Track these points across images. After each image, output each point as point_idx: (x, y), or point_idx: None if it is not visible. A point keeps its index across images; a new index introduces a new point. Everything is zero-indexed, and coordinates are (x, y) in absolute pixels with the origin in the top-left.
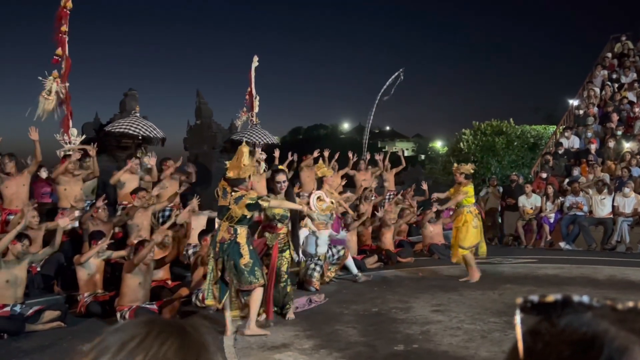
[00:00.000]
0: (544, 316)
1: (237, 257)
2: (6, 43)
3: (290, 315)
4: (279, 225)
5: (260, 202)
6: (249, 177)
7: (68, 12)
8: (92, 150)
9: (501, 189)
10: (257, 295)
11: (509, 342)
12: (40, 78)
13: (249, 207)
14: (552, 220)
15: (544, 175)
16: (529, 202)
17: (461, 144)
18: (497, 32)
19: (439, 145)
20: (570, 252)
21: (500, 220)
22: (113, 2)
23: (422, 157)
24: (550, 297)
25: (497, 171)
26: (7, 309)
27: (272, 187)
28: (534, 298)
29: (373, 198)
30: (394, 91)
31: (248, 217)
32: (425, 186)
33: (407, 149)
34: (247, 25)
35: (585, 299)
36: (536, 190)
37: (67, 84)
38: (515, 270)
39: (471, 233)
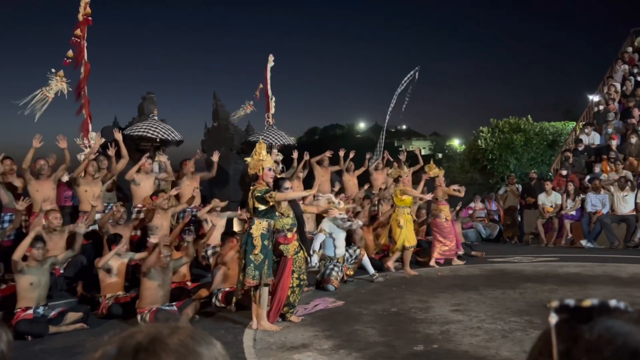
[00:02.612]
0: (579, 320)
1: (250, 248)
2: (26, 46)
3: (293, 318)
4: (289, 235)
5: (265, 196)
6: (262, 170)
7: (89, 18)
8: (111, 150)
9: (520, 187)
10: (264, 293)
11: (530, 342)
12: (49, 74)
13: (257, 199)
14: (575, 214)
15: (564, 172)
16: (549, 200)
17: (479, 141)
18: (514, 28)
19: (456, 143)
20: (592, 250)
21: (519, 219)
22: (129, 7)
23: (439, 155)
24: (587, 302)
25: (515, 169)
26: (31, 311)
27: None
28: (570, 302)
29: (390, 198)
30: (410, 92)
31: (260, 209)
32: (430, 196)
33: (423, 148)
34: (263, 26)
35: (622, 305)
36: (556, 187)
37: (86, 89)
38: (536, 269)
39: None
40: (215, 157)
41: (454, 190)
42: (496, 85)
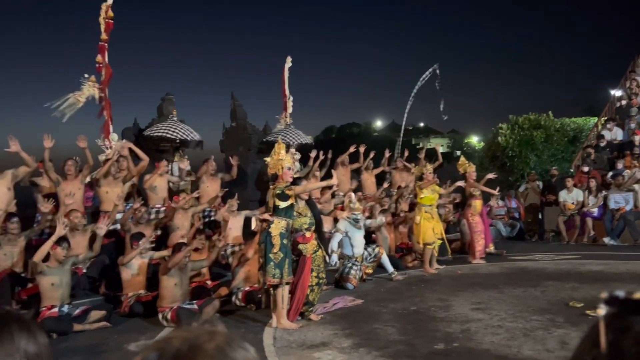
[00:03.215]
0: (629, 312)
1: (269, 247)
2: (54, 47)
3: (312, 316)
4: (307, 234)
5: (286, 191)
6: (281, 169)
7: (112, 22)
8: (125, 149)
9: (541, 184)
10: (285, 292)
11: (553, 340)
12: (82, 79)
13: (278, 196)
14: (596, 214)
15: (586, 169)
16: (570, 197)
17: (499, 138)
18: (534, 23)
19: (474, 140)
20: (615, 247)
21: (540, 216)
22: (147, 9)
23: (458, 153)
24: (638, 294)
25: (536, 166)
26: (55, 309)
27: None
28: (620, 294)
29: (411, 196)
30: (439, 87)
31: (280, 207)
32: (463, 183)
33: (442, 145)
34: (280, 26)
35: None
36: (578, 184)
37: (107, 91)
38: (558, 267)
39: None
40: (235, 162)
41: (484, 186)
42: (515, 82)
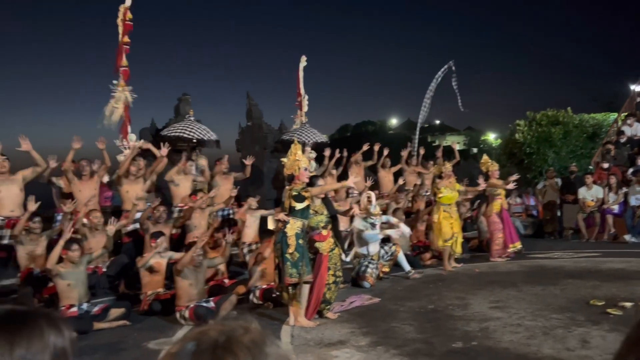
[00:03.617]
0: None
1: (285, 247)
2: (75, 48)
3: (329, 315)
4: (324, 232)
5: (302, 192)
6: (298, 170)
7: (131, 23)
8: (146, 144)
9: (560, 181)
10: (304, 290)
11: (573, 339)
12: (111, 86)
13: (294, 198)
14: (617, 210)
15: (606, 165)
16: (590, 194)
17: (516, 135)
18: (551, 17)
19: (491, 137)
20: (636, 245)
21: (559, 214)
22: (164, 11)
23: (474, 150)
24: None
25: (554, 162)
26: (75, 309)
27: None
28: None
29: (427, 194)
30: (456, 84)
31: (296, 208)
32: (481, 181)
33: (458, 143)
34: (294, 25)
35: None
36: (597, 181)
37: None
38: (578, 265)
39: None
40: (249, 161)
41: (504, 183)
42: (532, 78)
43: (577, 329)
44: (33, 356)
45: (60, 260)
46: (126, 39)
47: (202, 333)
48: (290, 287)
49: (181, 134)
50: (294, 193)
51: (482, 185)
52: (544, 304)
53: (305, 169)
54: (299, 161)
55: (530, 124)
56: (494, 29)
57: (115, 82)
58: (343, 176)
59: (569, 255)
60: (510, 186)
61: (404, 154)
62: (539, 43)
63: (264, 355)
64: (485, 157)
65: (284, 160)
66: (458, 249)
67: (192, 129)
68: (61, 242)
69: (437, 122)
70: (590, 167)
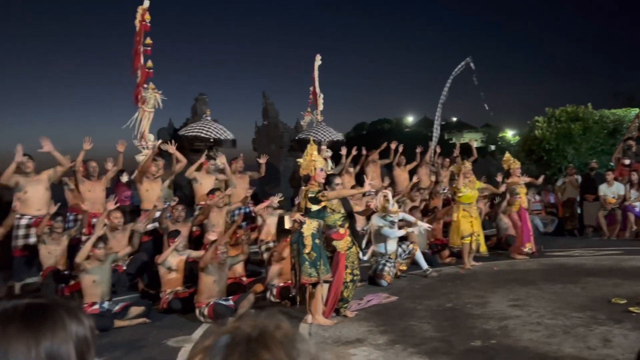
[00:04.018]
0: None
1: (301, 247)
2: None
3: (347, 313)
4: (341, 230)
5: (318, 196)
6: (314, 170)
7: (149, 24)
8: (171, 148)
9: (580, 178)
10: (324, 289)
11: (594, 338)
12: (142, 89)
13: (310, 199)
14: (637, 209)
15: (627, 161)
16: (611, 190)
17: (535, 131)
18: (570, 12)
19: (509, 134)
20: None
21: (579, 211)
22: (179, 12)
23: (492, 147)
24: None
25: (574, 159)
26: (97, 306)
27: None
28: None
29: (444, 191)
30: (477, 81)
31: (312, 209)
32: (499, 178)
33: (475, 140)
34: (310, 23)
35: None
36: (618, 178)
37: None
38: (599, 263)
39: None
40: (263, 160)
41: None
42: (551, 74)
43: (598, 328)
44: (58, 347)
45: (86, 258)
46: (148, 40)
47: (235, 327)
48: (310, 286)
49: (198, 134)
50: (310, 195)
51: (502, 187)
52: (564, 303)
53: (322, 170)
54: (315, 162)
55: (550, 121)
56: (511, 25)
57: (145, 86)
58: (360, 175)
59: (590, 253)
60: (534, 180)
61: (418, 153)
62: (559, 38)
63: (296, 350)
64: (507, 155)
65: (300, 160)
66: (483, 248)
67: (209, 128)
68: (93, 239)
69: (454, 119)
70: (611, 163)
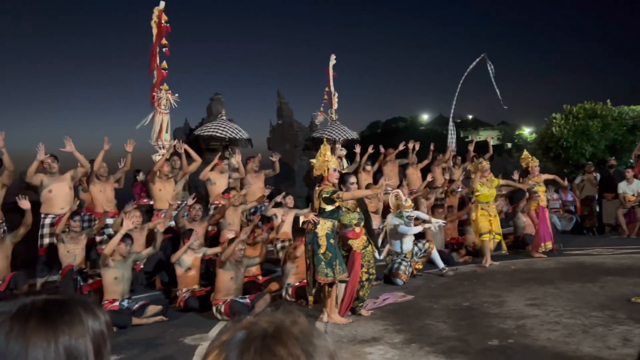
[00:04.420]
0: None
1: (316, 247)
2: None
3: (363, 312)
4: (357, 229)
5: (333, 196)
6: (327, 171)
7: (168, 25)
8: (181, 147)
9: (598, 176)
10: (340, 289)
11: (614, 337)
12: (157, 92)
13: (324, 200)
14: None
15: None
16: (631, 188)
17: (553, 129)
18: (588, 8)
19: (526, 132)
20: None
21: (598, 209)
22: (193, 13)
23: (509, 145)
24: None
25: (592, 157)
26: (116, 303)
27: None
28: None
29: (460, 190)
30: (494, 76)
31: (326, 210)
32: (516, 176)
33: (492, 138)
34: (324, 22)
35: None
36: (638, 175)
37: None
38: (618, 262)
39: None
40: (275, 158)
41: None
42: (568, 71)
43: (618, 327)
44: (76, 341)
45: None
46: (164, 41)
47: (252, 323)
48: (327, 286)
49: (214, 133)
50: (324, 195)
51: (528, 182)
52: (583, 302)
53: (335, 170)
54: (328, 162)
55: (567, 117)
56: (528, 22)
57: (161, 88)
58: (378, 174)
59: (609, 252)
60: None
61: (432, 150)
62: (576, 35)
63: (312, 346)
64: (525, 153)
65: (313, 161)
66: (503, 248)
67: (224, 128)
68: (122, 231)
69: (470, 117)
70: (631, 160)
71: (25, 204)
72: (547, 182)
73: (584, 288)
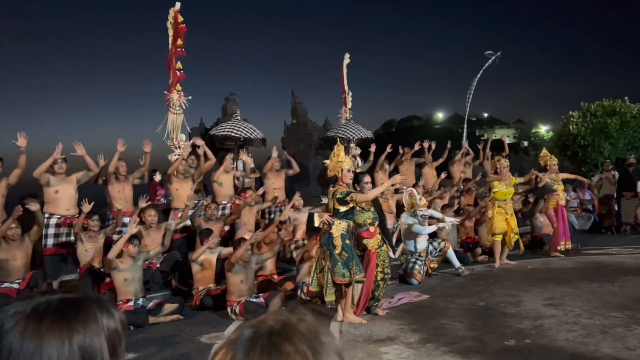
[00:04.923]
0: None
1: (332, 248)
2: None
3: (378, 311)
4: (372, 228)
5: (346, 198)
6: (341, 171)
7: (184, 26)
8: (200, 142)
9: (617, 174)
10: (357, 289)
11: (634, 338)
12: (166, 92)
13: (338, 200)
14: None
15: None
16: None
17: (570, 127)
18: (605, 4)
19: (543, 130)
20: None
21: (616, 208)
22: (207, 14)
23: (525, 143)
24: None
25: (610, 155)
26: (131, 303)
27: (358, 189)
28: None
29: (474, 189)
30: (481, 74)
31: (340, 210)
32: (543, 175)
33: (507, 136)
34: (338, 20)
35: None
36: None
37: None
38: (637, 261)
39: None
40: (289, 157)
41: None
42: (586, 68)
43: (638, 328)
44: (90, 340)
45: (119, 256)
46: (180, 42)
47: (259, 322)
48: (343, 286)
49: (229, 133)
50: (338, 196)
51: (544, 178)
52: (602, 302)
53: (349, 170)
54: (342, 163)
55: (585, 115)
56: (545, 19)
57: (173, 89)
58: (393, 173)
59: (628, 251)
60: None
61: (448, 148)
62: (594, 31)
63: (319, 343)
64: (544, 151)
65: (327, 162)
66: (521, 247)
67: (239, 128)
68: (126, 236)
69: (486, 115)
70: None
71: (34, 205)
72: (565, 181)
73: (603, 288)
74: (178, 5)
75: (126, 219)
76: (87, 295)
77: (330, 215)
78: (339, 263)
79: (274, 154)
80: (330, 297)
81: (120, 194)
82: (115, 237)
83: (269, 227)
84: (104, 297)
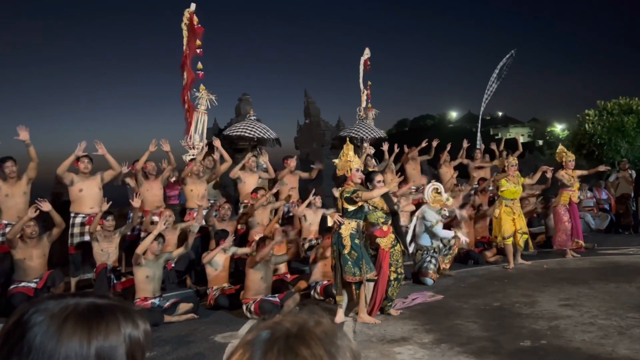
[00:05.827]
0: None
1: (341, 247)
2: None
3: (392, 311)
4: (384, 227)
5: (352, 196)
6: (350, 171)
7: (201, 27)
8: (217, 143)
9: (634, 173)
10: (369, 287)
11: None
12: (195, 92)
13: (346, 200)
14: None
15: None
16: None
17: (586, 125)
18: (620, 3)
19: (558, 129)
20: None
21: (634, 207)
22: (222, 14)
23: (540, 142)
24: None
25: (627, 154)
26: (149, 302)
27: (370, 188)
28: None
29: (490, 189)
30: (505, 74)
31: (349, 209)
32: (549, 174)
33: (522, 135)
34: (352, 21)
35: None
36: None
37: (189, 94)
38: None
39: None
40: (317, 166)
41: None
42: (602, 65)
43: None
44: (109, 347)
45: (143, 253)
46: (198, 42)
47: (276, 323)
48: (354, 285)
49: (242, 133)
50: (346, 195)
51: (549, 172)
52: (619, 303)
53: (357, 170)
54: (351, 162)
55: (601, 114)
56: (560, 18)
57: (195, 89)
58: (400, 172)
59: None
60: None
61: (466, 146)
62: (610, 29)
63: (336, 346)
64: (560, 147)
65: (336, 161)
66: (531, 246)
67: (252, 128)
68: (155, 232)
69: (500, 114)
70: None
71: (45, 206)
72: (582, 180)
73: (620, 288)
74: (193, 6)
75: (155, 218)
76: (115, 303)
77: (340, 215)
78: (349, 262)
79: (317, 167)
80: (339, 297)
81: (149, 192)
82: (142, 234)
83: (272, 222)
84: (133, 307)
